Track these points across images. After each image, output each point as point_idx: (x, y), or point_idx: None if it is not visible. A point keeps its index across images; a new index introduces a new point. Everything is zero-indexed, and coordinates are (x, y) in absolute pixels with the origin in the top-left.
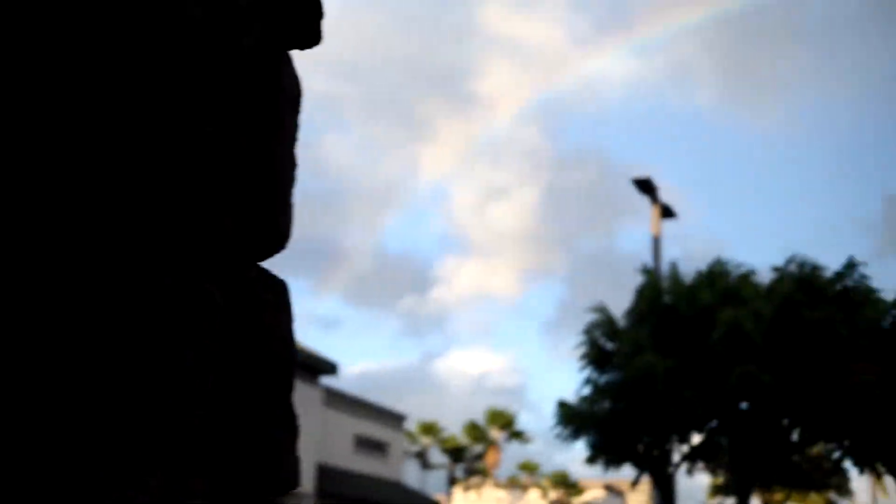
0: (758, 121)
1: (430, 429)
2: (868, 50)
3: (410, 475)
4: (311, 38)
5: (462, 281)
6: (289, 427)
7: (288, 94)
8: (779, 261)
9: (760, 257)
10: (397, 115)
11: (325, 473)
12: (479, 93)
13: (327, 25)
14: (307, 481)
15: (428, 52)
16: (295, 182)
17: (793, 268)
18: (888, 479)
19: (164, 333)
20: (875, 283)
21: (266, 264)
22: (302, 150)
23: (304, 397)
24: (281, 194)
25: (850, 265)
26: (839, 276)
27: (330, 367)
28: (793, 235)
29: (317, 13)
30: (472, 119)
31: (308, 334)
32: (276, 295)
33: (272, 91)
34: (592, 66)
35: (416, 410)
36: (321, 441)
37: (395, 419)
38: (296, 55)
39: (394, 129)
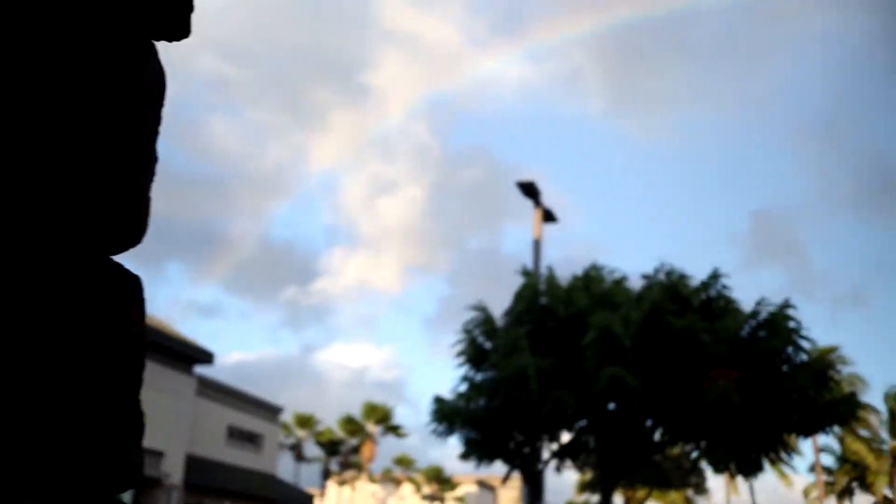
0: (643, 132)
1: (305, 421)
2: (746, 72)
3: (285, 468)
4: (178, 29)
5: (347, 274)
6: (134, 423)
7: (150, 87)
8: (653, 268)
9: (637, 264)
10: (288, 102)
11: (195, 464)
12: (372, 85)
13: (221, 6)
14: (176, 473)
15: (322, 40)
16: (153, 177)
17: (662, 276)
18: (740, 480)
19: (6, 328)
20: (740, 293)
21: (138, 251)
22: (187, 133)
23: (176, 386)
24: (137, 189)
25: (714, 276)
26: (704, 285)
27: (205, 356)
28: (668, 244)
29: (186, 4)
30: (364, 111)
31: (186, 322)
32: (128, 290)
33: (133, 84)
34: (485, 67)
35: (293, 403)
36: (192, 432)
37: (270, 411)
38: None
39: (284, 116)
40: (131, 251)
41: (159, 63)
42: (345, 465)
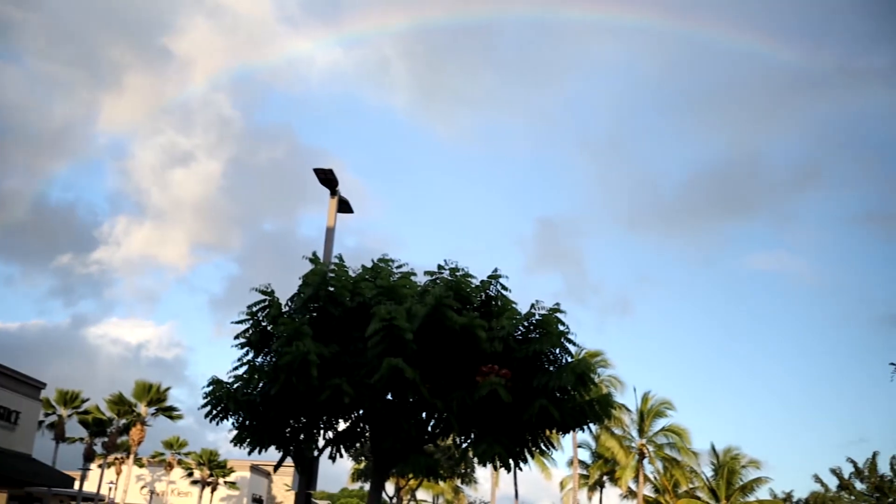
0: (444, 131)
1: (70, 398)
2: (542, 86)
3: (44, 448)
4: None
5: (130, 245)
6: None
7: None
8: (437, 265)
9: (430, 259)
10: (79, 55)
11: None
12: (175, 51)
13: None
14: None
15: None
16: None
17: (446, 273)
18: (503, 471)
19: None
20: (523, 294)
21: None
22: None
23: None
24: None
25: (494, 276)
26: (483, 284)
27: None
28: (459, 242)
29: None
30: (164, 76)
31: None
32: None
33: None
34: (296, 47)
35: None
36: None
37: (29, 386)
38: None
39: (73, 71)
40: None
41: None
42: (111, 447)
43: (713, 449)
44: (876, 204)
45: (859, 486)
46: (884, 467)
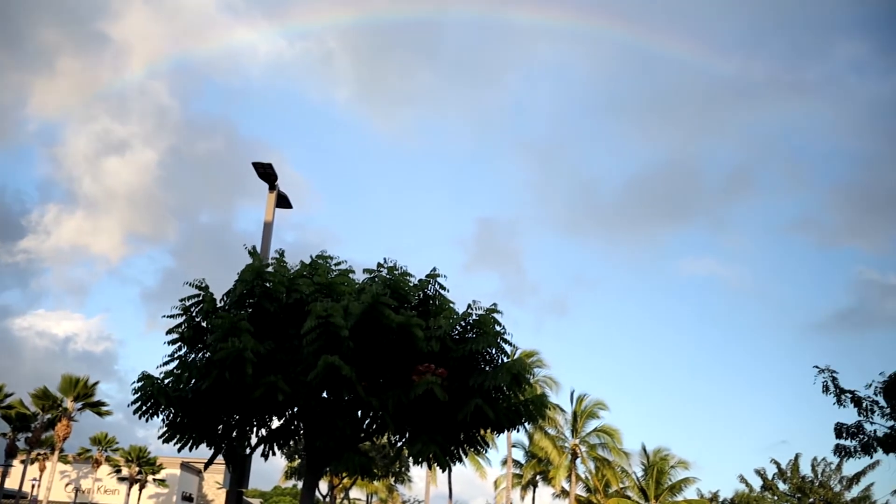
0: (386, 128)
1: None
2: (483, 87)
3: None
4: None
5: (60, 234)
6: None
7: None
8: (377, 263)
9: (370, 256)
10: (7, 35)
11: None
12: (111, 36)
13: None
14: None
15: None
16: None
17: (385, 272)
18: (438, 470)
19: None
20: (462, 293)
21: None
22: None
23: None
24: None
25: (432, 275)
26: (422, 283)
27: None
28: (400, 240)
29: None
30: (99, 62)
31: None
32: None
33: None
34: (238, 38)
35: None
36: None
37: None
38: None
39: (2, 52)
40: None
41: None
42: (35, 443)
43: (644, 449)
44: (805, 213)
45: (782, 486)
46: (805, 468)
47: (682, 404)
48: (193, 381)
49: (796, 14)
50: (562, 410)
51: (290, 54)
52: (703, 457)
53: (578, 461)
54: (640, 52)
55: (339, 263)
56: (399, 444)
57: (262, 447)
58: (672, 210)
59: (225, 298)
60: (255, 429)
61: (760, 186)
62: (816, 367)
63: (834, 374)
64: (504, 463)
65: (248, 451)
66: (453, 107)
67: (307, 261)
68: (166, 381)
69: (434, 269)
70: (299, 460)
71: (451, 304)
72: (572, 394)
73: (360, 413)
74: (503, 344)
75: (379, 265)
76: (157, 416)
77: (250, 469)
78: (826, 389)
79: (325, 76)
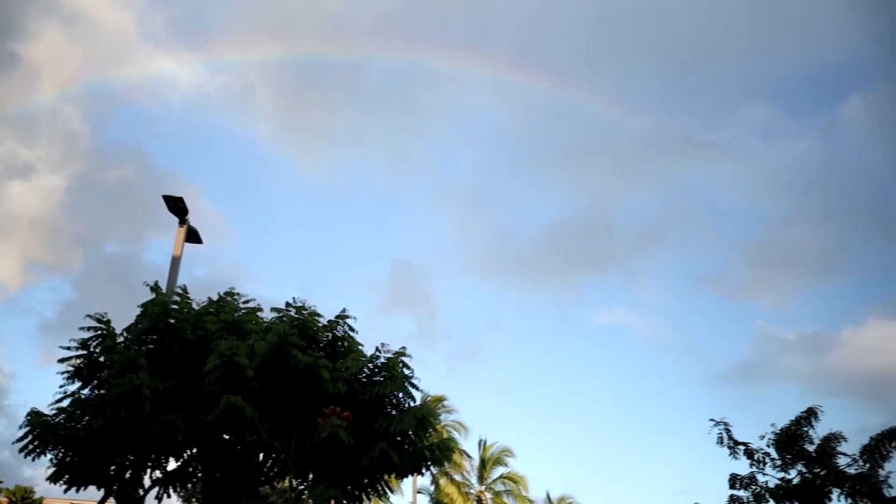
0: (305, 166)
1: None
2: (405, 128)
3: None
4: None
5: None
6: None
7: None
8: (285, 302)
9: (283, 295)
10: None
11: None
12: (23, 55)
13: None
14: None
15: None
16: None
17: (293, 311)
18: None
19: None
20: (373, 334)
21: None
22: None
23: None
24: None
25: (342, 317)
26: (331, 324)
27: None
28: (315, 280)
29: None
30: (8, 81)
31: None
32: None
33: None
34: (158, 66)
35: None
36: None
37: None
38: None
39: None
40: None
41: None
42: None
43: (548, 497)
44: (712, 268)
45: None
46: None
47: (589, 452)
48: (87, 418)
49: (710, 77)
50: (469, 456)
51: (210, 86)
52: None
53: None
54: (561, 106)
55: (247, 301)
56: (302, 486)
57: (156, 489)
58: (588, 260)
59: (125, 334)
60: (149, 470)
61: (672, 240)
62: (712, 419)
63: (728, 427)
64: None
65: (140, 493)
66: (374, 148)
67: (218, 297)
68: (58, 418)
69: (343, 310)
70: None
71: (360, 346)
72: (481, 440)
73: (261, 456)
74: (410, 388)
75: (287, 304)
76: (46, 455)
77: None
78: (720, 441)
79: (245, 110)
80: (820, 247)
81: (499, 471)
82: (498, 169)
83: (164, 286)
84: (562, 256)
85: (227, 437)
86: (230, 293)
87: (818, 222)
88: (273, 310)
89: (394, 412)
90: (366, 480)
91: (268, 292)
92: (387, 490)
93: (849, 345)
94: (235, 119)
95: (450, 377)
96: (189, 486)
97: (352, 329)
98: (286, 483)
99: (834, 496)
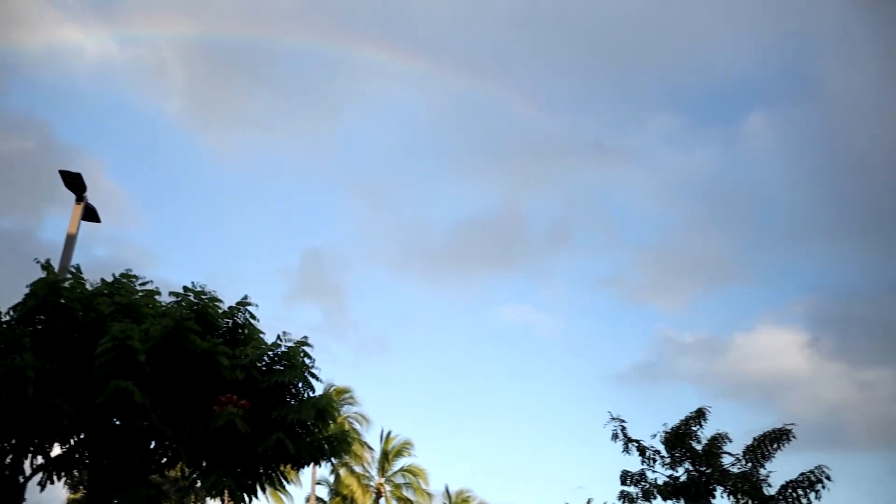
0: (217, 148)
1: None
2: (320, 116)
3: None
4: None
5: None
6: None
7: None
8: (183, 286)
9: (189, 278)
10: None
11: None
12: None
13: None
14: None
15: None
16: None
17: (192, 296)
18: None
19: None
20: (280, 324)
21: None
22: None
23: None
24: None
25: (243, 303)
26: (231, 310)
27: None
28: (222, 265)
29: None
30: None
31: None
32: None
33: None
34: (64, 35)
35: None
36: None
37: None
38: None
39: None
40: None
41: None
42: None
43: (447, 491)
44: (615, 270)
45: None
46: None
47: (491, 447)
48: None
49: (624, 83)
50: (370, 449)
51: (120, 59)
52: (506, 500)
53: (382, 501)
54: (478, 102)
55: (144, 283)
56: (195, 474)
57: (39, 475)
58: (497, 257)
59: (12, 312)
60: (32, 455)
61: (578, 242)
62: (610, 413)
63: (623, 423)
64: (308, 500)
65: (21, 479)
66: (288, 134)
67: (113, 278)
68: None
69: (245, 297)
70: (83, 492)
71: (262, 335)
72: (385, 431)
73: (153, 443)
74: (311, 378)
75: (186, 289)
76: None
77: (23, 500)
78: (615, 437)
79: (156, 86)
80: (716, 254)
81: (400, 463)
82: (412, 162)
83: (57, 265)
84: (472, 252)
85: (116, 422)
86: (126, 275)
87: (715, 230)
88: (171, 294)
89: (293, 402)
90: (261, 470)
91: (172, 276)
92: (283, 480)
93: (740, 350)
94: (145, 95)
95: (357, 369)
96: (75, 472)
97: (253, 317)
98: (177, 471)
99: (718, 494)
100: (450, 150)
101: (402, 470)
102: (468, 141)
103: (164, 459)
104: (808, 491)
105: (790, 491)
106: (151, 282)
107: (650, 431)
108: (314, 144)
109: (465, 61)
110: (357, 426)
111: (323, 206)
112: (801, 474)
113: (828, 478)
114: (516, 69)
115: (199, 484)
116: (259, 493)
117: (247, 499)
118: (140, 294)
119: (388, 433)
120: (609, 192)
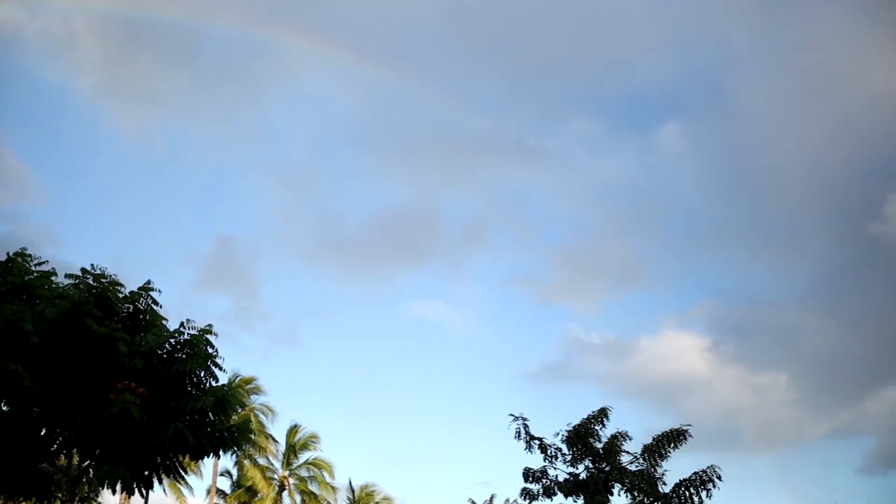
0: (129, 128)
1: None
2: (239, 102)
3: None
4: None
5: None
6: None
7: None
8: (81, 269)
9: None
10: None
11: None
12: None
13: None
14: None
15: None
16: None
17: (91, 279)
18: (136, 497)
19: None
20: (187, 311)
21: None
22: None
23: None
24: None
25: (145, 288)
26: (133, 295)
27: None
28: (128, 249)
29: None
30: None
31: None
32: None
33: None
34: None
35: None
36: None
37: None
38: None
39: None
40: None
41: None
42: None
43: (350, 484)
44: (528, 270)
45: None
46: None
47: (398, 442)
48: None
49: (547, 86)
50: (275, 441)
51: (29, 28)
52: (410, 495)
53: (285, 494)
54: (401, 96)
55: (40, 264)
56: (88, 463)
57: None
58: (411, 252)
59: None
60: None
61: (493, 240)
62: (511, 414)
63: (526, 422)
64: (209, 492)
65: None
66: (205, 118)
67: (7, 257)
68: None
69: (148, 282)
70: None
71: (165, 321)
72: (291, 426)
73: (43, 430)
74: (214, 367)
75: (84, 271)
76: None
77: None
78: (518, 435)
79: (66, 59)
80: (627, 258)
81: (305, 456)
82: (331, 152)
83: None
84: (386, 246)
85: (3, 407)
86: (21, 254)
87: (627, 234)
88: (68, 276)
89: (194, 391)
90: (159, 460)
91: (75, 258)
92: (182, 471)
93: (644, 352)
94: (54, 68)
95: (265, 360)
96: None
97: (156, 302)
98: (68, 459)
99: (616, 491)
100: (369, 143)
101: (307, 463)
102: (389, 135)
103: (55, 447)
104: (699, 489)
105: (683, 489)
106: (48, 262)
107: (556, 429)
108: (232, 130)
109: (391, 56)
110: (263, 418)
111: (238, 192)
112: (694, 473)
113: (719, 477)
114: (442, 67)
115: (91, 473)
116: (156, 483)
117: (143, 490)
118: (35, 275)
119: (295, 426)
120: (527, 192)
